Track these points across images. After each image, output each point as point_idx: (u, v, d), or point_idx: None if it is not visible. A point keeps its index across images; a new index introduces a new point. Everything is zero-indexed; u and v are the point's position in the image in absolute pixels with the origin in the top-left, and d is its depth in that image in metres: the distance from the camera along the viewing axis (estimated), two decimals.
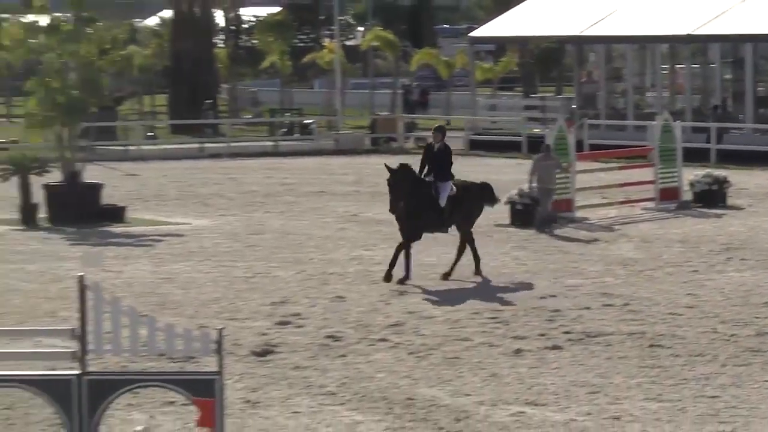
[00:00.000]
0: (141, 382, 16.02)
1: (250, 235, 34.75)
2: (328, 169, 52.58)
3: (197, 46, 77.15)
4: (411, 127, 66.82)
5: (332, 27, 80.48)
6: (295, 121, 71.56)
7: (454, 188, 27.50)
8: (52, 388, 15.60)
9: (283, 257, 31.01)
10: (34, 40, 46.37)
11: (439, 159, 27.44)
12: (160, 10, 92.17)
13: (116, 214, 37.91)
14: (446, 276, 27.59)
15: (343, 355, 20.97)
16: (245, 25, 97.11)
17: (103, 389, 15.48)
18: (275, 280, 27.94)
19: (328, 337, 22.25)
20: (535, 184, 35.23)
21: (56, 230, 35.88)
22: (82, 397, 15.35)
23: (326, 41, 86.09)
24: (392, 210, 27.31)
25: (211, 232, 35.25)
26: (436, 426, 17.04)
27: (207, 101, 73.24)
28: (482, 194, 28.80)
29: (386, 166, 27.52)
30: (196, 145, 62.02)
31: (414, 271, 27.40)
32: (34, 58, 44.55)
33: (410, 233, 27.21)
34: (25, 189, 37.57)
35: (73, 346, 15.63)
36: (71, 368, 15.55)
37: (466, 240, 27.95)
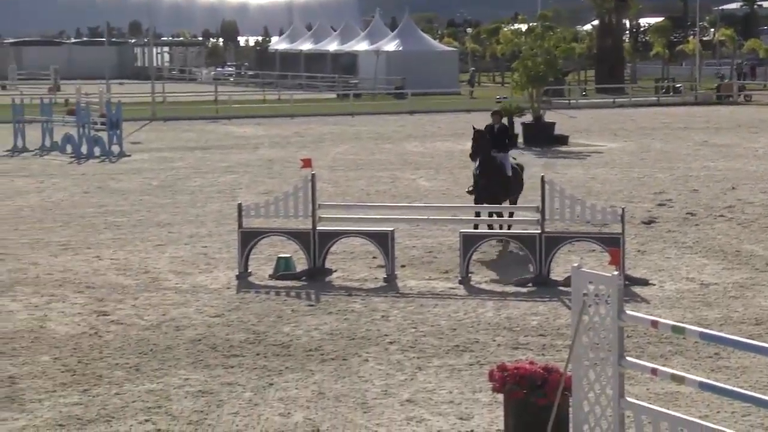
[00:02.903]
0: (575, 239, 15.96)
1: (641, 153, 33.96)
2: (689, 114, 50.94)
3: (612, 41, 75.90)
4: (741, 88, 64.24)
5: (695, 29, 77.81)
6: (670, 85, 69.63)
7: (513, 159, 19.42)
8: (525, 240, 15.72)
9: (661, 166, 30.21)
10: (517, 39, 46.58)
11: (499, 136, 18.93)
12: (592, 20, 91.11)
13: (563, 140, 37.68)
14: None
15: (697, 224, 20.34)
16: (642, 29, 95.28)
17: (555, 241, 15.51)
18: (656, 179, 27.27)
19: (688, 213, 21.64)
20: None
21: (528, 149, 35.91)
22: (542, 245, 15.42)
23: (690, 38, 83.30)
24: (473, 157, 18.77)
25: (618, 151, 34.65)
26: (753, 267, 16.36)
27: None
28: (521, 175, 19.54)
29: (473, 127, 18.99)
30: (611, 99, 61.02)
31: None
32: (517, 49, 44.68)
33: (482, 196, 18.28)
34: (511, 125, 37.76)
35: (537, 216, 15.71)
36: (536, 229, 15.62)
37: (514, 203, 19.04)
